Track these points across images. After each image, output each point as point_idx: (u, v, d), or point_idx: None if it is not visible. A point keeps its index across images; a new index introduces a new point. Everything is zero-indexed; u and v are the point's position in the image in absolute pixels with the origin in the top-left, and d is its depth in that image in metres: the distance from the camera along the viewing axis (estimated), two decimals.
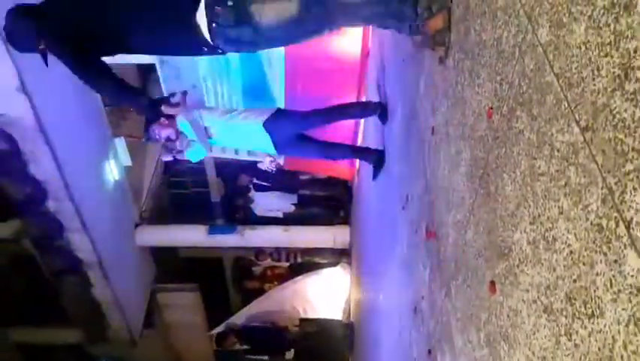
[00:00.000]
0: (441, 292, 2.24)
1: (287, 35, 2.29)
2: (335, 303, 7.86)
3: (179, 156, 3.83)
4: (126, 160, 6.88)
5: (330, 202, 7.96)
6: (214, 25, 2.14)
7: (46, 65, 2.41)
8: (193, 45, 2.26)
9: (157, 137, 3.74)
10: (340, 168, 6.94)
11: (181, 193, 9.16)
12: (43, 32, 2.31)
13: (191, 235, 7.89)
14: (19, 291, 7.86)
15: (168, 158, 3.91)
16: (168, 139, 3.71)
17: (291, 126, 3.84)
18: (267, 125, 3.74)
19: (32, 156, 5.26)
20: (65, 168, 5.45)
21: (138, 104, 2.64)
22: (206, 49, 2.26)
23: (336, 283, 7.72)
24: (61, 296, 7.24)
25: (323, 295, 7.61)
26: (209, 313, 8.90)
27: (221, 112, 4.00)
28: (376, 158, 4.06)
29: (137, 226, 7.76)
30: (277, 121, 3.76)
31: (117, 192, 6.88)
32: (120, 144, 6.66)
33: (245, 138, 3.88)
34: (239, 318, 7.49)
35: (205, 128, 3.77)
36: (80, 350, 8.58)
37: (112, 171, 6.62)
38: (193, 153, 3.86)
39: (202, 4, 2.12)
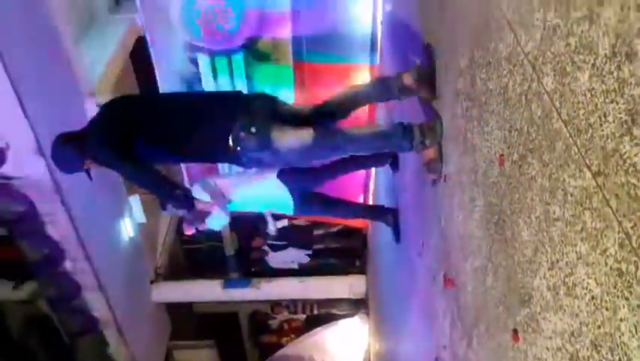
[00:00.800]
0: (462, 342, 2.20)
1: (302, 158, 2.74)
2: (354, 355, 7.70)
3: (201, 227, 3.77)
4: (141, 217, 6.94)
5: (345, 252, 7.92)
6: (239, 148, 2.51)
7: (90, 179, 2.84)
8: (226, 159, 2.73)
9: (175, 210, 3.73)
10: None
11: (195, 248, 9.16)
12: (90, 151, 2.65)
13: (206, 290, 7.85)
14: (36, 352, 7.80)
15: (191, 231, 3.77)
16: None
17: (305, 178, 3.82)
18: (281, 176, 3.74)
19: (49, 218, 5.32)
20: (81, 228, 5.50)
21: (174, 198, 2.80)
22: (234, 162, 2.68)
23: (354, 335, 7.59)
24: (77, 357, 7.17)
25: (342, 347, 7.47)
26: None
27: (234, 177, 4.01)
28: (391, 219, 3.97)
29: (152, 282, 7.74)
30: (291, 173, 3.76)
31: (132, 249, 6.90)
32: (135, 201, 6.73)
33: (262, 196, 3.85)
34: None
35: (222, 193, 3.77)
36: None
37: (127, 229, 6.66)
38: (215, 221, 3.72)
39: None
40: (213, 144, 2.58)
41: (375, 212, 4.37)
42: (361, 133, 2.66)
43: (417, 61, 2.73)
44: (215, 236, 8.93)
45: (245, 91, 2.89)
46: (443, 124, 2.49)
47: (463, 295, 2.17)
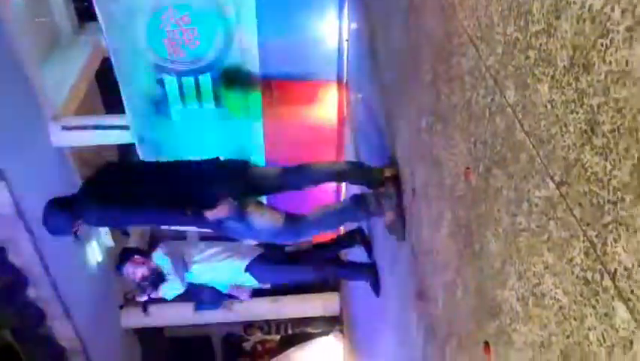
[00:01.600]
0: (435, 357, 2.19)
1: (270, 237, 2.98)
2: None
3: (153, 295, 3.61)
4: (108, 241, 6.79)
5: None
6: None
7: (77, 239, 2.80)
8: (200, 223, 2.86)
9: (130, 275, 3.58)
10: (324, 235, 6.91)
11: None
12: (83, 213, 2.81)
13: (177, 314, 7.69)
14: None
15: (143, 298, 3.66)
16: (142, 278, 3.53)
17: (275, 274, 3.79)
18: (250, 269, 3.64)
19: (11, 244, 5.17)
20: (46, 254, 5.35)
21: (184, 219, 2.84)
22: (208, 226, 2.86)
23: (329, 353, 7.52)
24: None
25: None
26: None
27: (202, 247, 3.82)
28: (370, 274, 3.81)
29: (121, 307, 7.56)
30: (262, 266, 3.69)
31: (100, 274, 6.74)
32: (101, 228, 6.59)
33: (225, 276, 3.72)
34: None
35: (185, 262, 3.64)
36: None
37: (94, 254, 6.51)
38: (169, 290, 3.61)
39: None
40: (189, 204, 2.75)
41: (352, 270, 4.19)
42: (321, 214, 2.96)
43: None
44: None
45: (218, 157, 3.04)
46: (403, 151, 2.66)
47: (435, 309, 2.17)
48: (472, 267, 1.66)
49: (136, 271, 3.53)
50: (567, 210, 1.06)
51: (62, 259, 5.74)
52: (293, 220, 2.90)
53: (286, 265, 3.77)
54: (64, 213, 2.84)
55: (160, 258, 3.57)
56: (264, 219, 2.83)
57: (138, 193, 2.80)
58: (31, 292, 5.63)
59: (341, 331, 7.57)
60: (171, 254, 3.59)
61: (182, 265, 3.59)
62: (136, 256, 3.56)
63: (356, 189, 3.32)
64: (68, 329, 6.09)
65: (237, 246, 3.80)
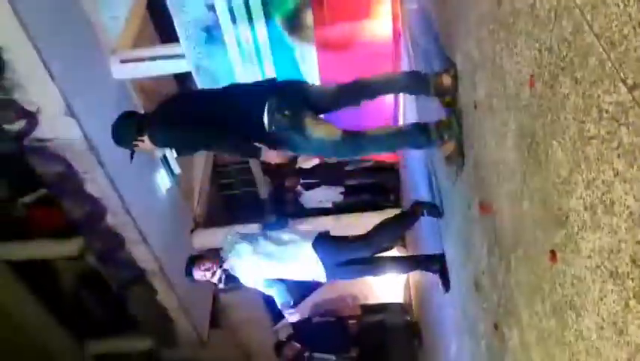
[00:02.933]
0: (501, 266, 2.22)
1: (328, 150, 2.99)
2: (394, 285, 7.86)
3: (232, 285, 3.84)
4: (176, 168, 7.05)
5: (378, 187, 7.94)
6: (273, 127, 2.78)
7: (131, 161, 3.08)
8: (260, 135, 2.87)
9: (203, 279, 3.78)
10: (382, 155, 6.91)
11: (231, 195, 9.33)
12: (146, 128, 2.95)
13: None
14: (89, 306, 8.19)
15: (221, 285, 3.85)
16: (216, 278, 3.74)
17: (339, 251, 3.61)
18: (316, 244, 3.52)
19: (87, 176, 5.46)
20: (119, 184, 5.63)
21: (245, 133, 2.91)
22: (267, 139, 2.90)
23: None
24: (129, 306, 7.51)
25: (382, 279, 7.60)
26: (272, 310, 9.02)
27: (262, 239, 3.68)
28: (438, 267, 3.67)
29: (192, 230, 7.95)
30: (325, 243, 3.57)
31: (170, 200, 7.06)
32: (168, 152, 6.83)
33: (292, 262, 3.58)
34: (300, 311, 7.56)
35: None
36: (152, 355, 8.90)
37: (163, 181, 6.80)
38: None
39: (266, 109, 2.78)
40: (250, 121, 2.83)
41: (420, 263, 3.94)
42: (381, 133, 2.95)
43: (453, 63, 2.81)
44: (249, 182, 9.06)
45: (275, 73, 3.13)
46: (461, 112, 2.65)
47: (500, 221, 2.18)
48: (538, 177, 1.65)
49: (206, 274, 3.73)
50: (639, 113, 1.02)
51: (134, 188, 6.04)
52: (352, 135, 2.89)
53: (349, 241, 3.72)
54: (131, 124, 2.98)
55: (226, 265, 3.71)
56: (322, 131, 2.83)
57: (199, 114, 2.90)
58: (110, 220, 5.99)
59: (404, 246, 7.71)
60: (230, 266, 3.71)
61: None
62: (203, 264, 3.75)
63: (415, 116, 3.30)
64: (145, 251, 6.49)
65: (300, 232, 3.86)
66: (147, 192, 6.49)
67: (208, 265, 3.71)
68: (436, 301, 4.73)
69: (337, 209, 7.76)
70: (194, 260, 3.80)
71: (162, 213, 6.90)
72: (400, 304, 7.79)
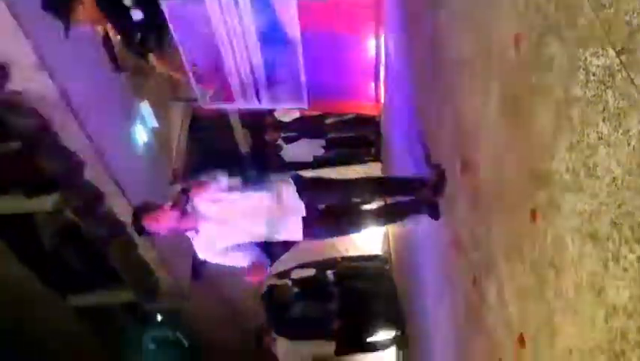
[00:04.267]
0: (481, 223, 2.24)
1: None
2: (374, 238, 7.96)
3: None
4: (153, 122, 6.93)
5: (359, 141, 7.92)
6: None
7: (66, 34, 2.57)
8: None
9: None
10: (365, 105, 6.87)
11: (210, 147, 9.23)
12: None
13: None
14: (69, 260, 8.18)
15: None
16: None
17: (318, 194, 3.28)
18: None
19: (62, 129, 5.33)
20: (96, 137, 5.53)
21: None
22: None
23: None
24: (109, 260, 7.51)
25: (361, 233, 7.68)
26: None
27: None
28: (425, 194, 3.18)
29: (171, 184, 7.89)
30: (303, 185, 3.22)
31: (148, 153, 6.97)
32: (145, 107, 6.70)
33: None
34: (281, 264, 7.63)
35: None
36: (136, 307, 8.99)
37: (140, 134, 6.69)
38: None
39: None
40: None
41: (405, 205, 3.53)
42: None
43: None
44: (228, 136, 8.96)
45: None
46: None
47: (480, 177, 2.19)
48: (521, 137, 1.64)
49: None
50: (627, 79, 1.01)
51: (111, 141, 5.94)
52: None
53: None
54: None
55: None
56: None
57: None
58: (88, 174, 5.91)
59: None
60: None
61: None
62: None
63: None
64: (124, 205, 6.44)
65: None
66: (125, 145, 6.40)
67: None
68: (415, 253, 4.81)
69: (318, 163, 7.76)
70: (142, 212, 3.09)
71: (141, 167, 6.83)
72: (379, 255, 7.93)
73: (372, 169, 7.85)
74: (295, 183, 3.20)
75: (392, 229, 7.19)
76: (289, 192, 3.16)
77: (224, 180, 3.18)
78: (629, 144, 1.03)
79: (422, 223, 4.07)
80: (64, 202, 6.59)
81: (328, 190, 3.35)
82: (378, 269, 7.39)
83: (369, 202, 3.87)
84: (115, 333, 9.89)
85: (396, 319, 6.32)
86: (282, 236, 3.21)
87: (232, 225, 3.04)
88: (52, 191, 6.42)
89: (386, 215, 3.74)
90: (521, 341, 1.81)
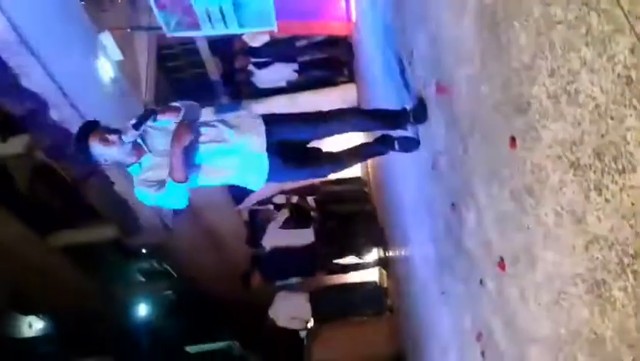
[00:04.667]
0: (458, 148, 2.21)
1: None
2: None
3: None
4: (117, 55, 6.63)
5: (332, 63, 7.73)
6: None
7: None
8: None
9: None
10: (336, 25, 6.66)
11: (180, 77, 8.97)
12: None
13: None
14: (46, 200, 8.09)
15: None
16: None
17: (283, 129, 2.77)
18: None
19: (21, 70, 5.07)
20: (57, 75, 5.27)
21: None
22: None
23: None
24: (87, 197, 7.44)
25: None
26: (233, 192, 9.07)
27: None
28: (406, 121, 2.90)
29: None
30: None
31: (116, 88, 6.73)
32: (107, 39, 6.37)
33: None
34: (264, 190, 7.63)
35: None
36: (119, 243, 9.02)
37: (105, 69, 6.42)
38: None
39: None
40: None
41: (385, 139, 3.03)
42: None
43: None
44: (198, 63, 8.69)
45: None
46: None
47: (458, 102, 2.13)
48: (499, 60, 1.57)
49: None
50: (614, 0, 0.94)
51: (75, 79, 5.69)
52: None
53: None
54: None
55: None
56: None
57: None
58: (54, 115, 5.70)
59: None
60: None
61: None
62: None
63: None
64: None
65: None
66: (90, 82, 6.14)
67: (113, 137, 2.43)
68: (394, 177, 4.81)
69: (291, 87, 7.60)
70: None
71: (109, 102, 6.60)
72: (359, 177, 7.98)
73: (347, 91, 7.73)
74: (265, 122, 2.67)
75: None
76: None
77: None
78: (613, 71, 0.98)
79: None
80: (34, 144, 6.42)
81: (297, 124, 2.84)
82: (357, 192, 7.45)
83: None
84: (102, 270, 9.99)
85: (379, 239, 6.43)
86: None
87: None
88: (19, 133, 6.23)
89: (362, 154, 3.25)
90: (502, 265, 1.82)
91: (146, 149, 2.53)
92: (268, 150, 2.61)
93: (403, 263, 4.99)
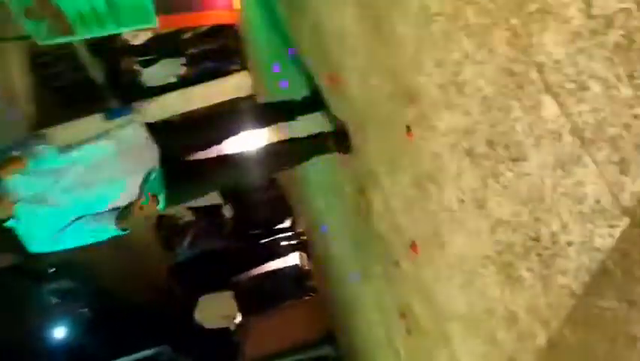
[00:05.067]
0: (357, 135, 2.21)
1: None
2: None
3: None
4: None
5: (222, 53, 7.53)
6: None
7: None
8: None
9: None
10: (220, 14, 6.48)
11: (61, 85, 8.39)
12: None
13: (89, 128, 7.40)
14: None
15: None
16: None
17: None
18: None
19: None
20: None
21: None
22: None
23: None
24: None
25: None
26: None
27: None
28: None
29: (30, 133, 7.17)
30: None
31: None
32: None
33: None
34: None
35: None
36: (22, 268, 8.42)
37: None
38: None
39: None
40: None
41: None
42: None
43: None
44: (78, 67, 8.17)
45: None
46: None
47: (350, 92, 2.12)
48: (385, 52, 1.57)
49: None
50: None
51: None
52: None
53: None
54: None
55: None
56: None
57: None
58: None
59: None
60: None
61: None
62: None
63: None
64: None
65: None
66: None
67: None
68: None
69: (183, 82, 7.35)
70: None
71: None
72: None
73: (241, 80, 7.58)
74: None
75: None
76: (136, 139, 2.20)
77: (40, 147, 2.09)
78: (495, 63, 0.99)
79: None
80: None
81: (192, 131, 2.53)
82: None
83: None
84: (13, 301, 9.32)
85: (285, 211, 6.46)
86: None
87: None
88: None
89: (281, 158, 2.57)
90: (414, 247, 1.85)
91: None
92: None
93: (320, 245, 5.03)
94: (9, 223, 2.04)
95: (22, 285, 9.60)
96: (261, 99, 5.42)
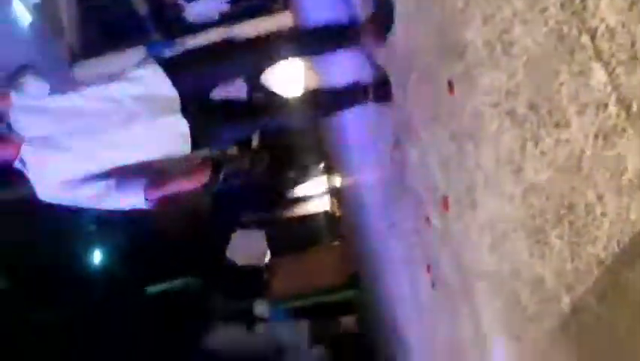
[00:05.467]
0: (399, 86, 2.18)
1: None
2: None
3: None
4: None
5: None
6: None
7: None
8: None
9: None
10: None
11: (106, 17, 8.43)
12: None
13: (130, 60, 7.46)
14: None
15: None
16: None
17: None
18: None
19: None
20: None
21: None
22: None
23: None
24: None
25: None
26: None
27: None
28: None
29: (71, 64, 7.28)
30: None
31: (37, 35, 6.30)
32: None
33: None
34: None
35: None
36: None
37: (22, 15, 5.97)
38: None
39: None
40: None
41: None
42: None
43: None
44: (123, 1, 8.18)
45: None
46: None
47: (394, 41, 2.08)
48: (433, 1, 1.53)
49: None
50: None
51: None
52: None
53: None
54: None
55: None
56: None
57: None
58: None
59: None
60: None
61: None
62: None
63: None
64: None
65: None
66: (6, 31, 5.72)
67: None
68: None
69: (225, 19, 7.29)
70: None
71: (32, 52, 6.20)
72: None
73: (282, 19, 7.48)
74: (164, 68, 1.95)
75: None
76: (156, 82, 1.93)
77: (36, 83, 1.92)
78: (546, 24, 0.95)
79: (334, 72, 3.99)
80: None
81: (217, 64, 2.17)
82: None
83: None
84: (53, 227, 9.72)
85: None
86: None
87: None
88: None
89: (320, 106, 2.41)
90: (445, 203, 1.86)
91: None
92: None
93: (352, 192, 5.07)
94: (16, 165, 1.87)
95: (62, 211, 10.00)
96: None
